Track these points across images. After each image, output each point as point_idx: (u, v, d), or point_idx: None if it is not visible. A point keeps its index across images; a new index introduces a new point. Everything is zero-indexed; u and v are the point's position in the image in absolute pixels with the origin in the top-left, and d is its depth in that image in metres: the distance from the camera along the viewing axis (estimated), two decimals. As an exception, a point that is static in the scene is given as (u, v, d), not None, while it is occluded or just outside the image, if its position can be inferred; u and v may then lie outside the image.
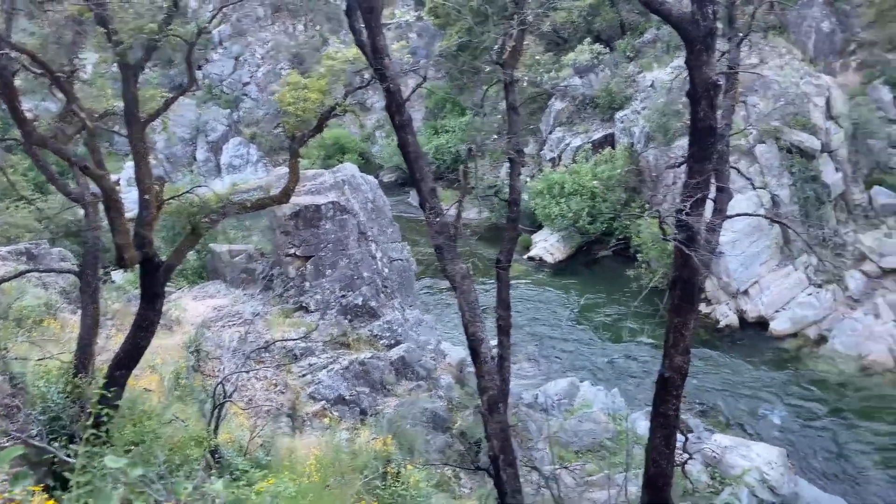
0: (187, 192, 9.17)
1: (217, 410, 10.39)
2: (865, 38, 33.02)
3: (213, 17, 8.42)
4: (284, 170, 17.62)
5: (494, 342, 10.23)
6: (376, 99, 48.43)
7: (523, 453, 15.66)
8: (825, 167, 28.57)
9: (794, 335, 26.04)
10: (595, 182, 32.96)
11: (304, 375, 17.41)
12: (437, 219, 8.31)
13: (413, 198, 39.39)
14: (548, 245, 34.77)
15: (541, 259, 34.29)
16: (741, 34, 10.26)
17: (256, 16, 55.49)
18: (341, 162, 27.23)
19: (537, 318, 28.97)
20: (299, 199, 20.38)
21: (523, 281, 32.38)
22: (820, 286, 27.00)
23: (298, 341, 17.43)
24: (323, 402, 16.50)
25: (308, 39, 54.79)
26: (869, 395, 22.75)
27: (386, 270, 20.70)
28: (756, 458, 16.75)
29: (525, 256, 34.82)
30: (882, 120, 30.51)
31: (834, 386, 23.33)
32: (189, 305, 19.02)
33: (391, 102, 8.33)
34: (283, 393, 16.22)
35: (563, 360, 25.67)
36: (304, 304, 19.91)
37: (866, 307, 25.70)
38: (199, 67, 51.94)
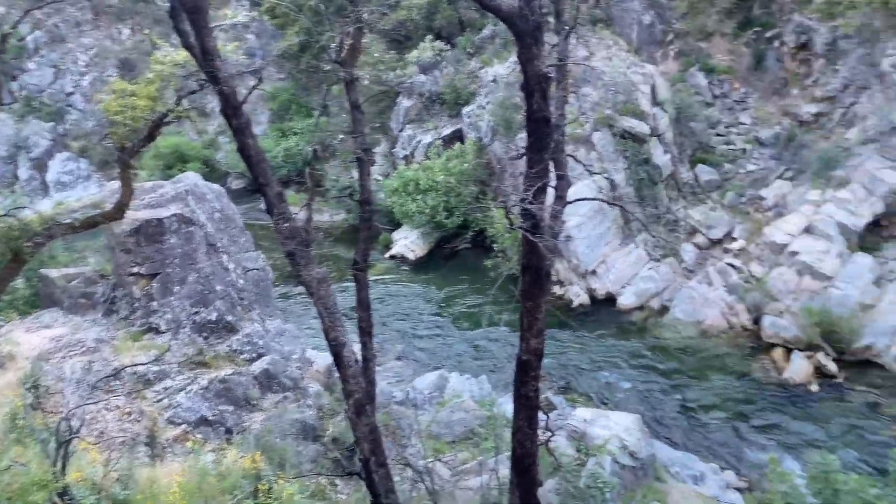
0: (4, 215, 8.34)
1: (63, 448, 9.58)
2: (680, 28, 35.95)
3: (18, 22, 7.68)
4: (119, 184, 16.48)
5: (358, 345, 10.15)
6: (217, 103, 46.45)
7: (398, 451, 15.68)
8: (655, 150, 30.79)
9: (640, 308, 27.91)
10: (443, 177, 33.52)
11: (160, 400, 16.41)
12: (287, 224, 8.09)
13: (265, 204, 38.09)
14: (408, 242, 35.01)
15: (402, 257, 34.48)
16: (568, 27, 10.78)
17: (76, 20, 51.46)
18: (183, 171, 25.86)
19: (402, 315, 29.12)
20: (139, 214, 19.14)
21: (386, 279, 32.42)
22: (658, 261, 29.12)
23: (150, 365, 16.39)
24: (184, 425, 15.65)
25: (136, 44, 51.57)
26: (708, 355, 24.86)
27: (241, 282, 19.93)
28: (615, 426, 17.74)
29: (386, 255, 34.87)
30: (700, 103, 33.37)
31: (677, 351, 25.27)
32: (22, 338, 17.34)
33: (227, 106, 8.00)
34: (138, 421, 15.20)
35: (431, 354, 25.99)
36: (153, 325, 18.74)
37: (700, 276, 28.03)
38: (14, 78, 47.52)
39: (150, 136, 14.44)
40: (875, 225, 26.63)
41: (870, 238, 26.59)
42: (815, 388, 22.52)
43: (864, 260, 25.44)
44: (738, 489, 18.28)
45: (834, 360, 23.50)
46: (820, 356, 23.51)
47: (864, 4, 29.13)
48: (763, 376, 23.51)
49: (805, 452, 19.21)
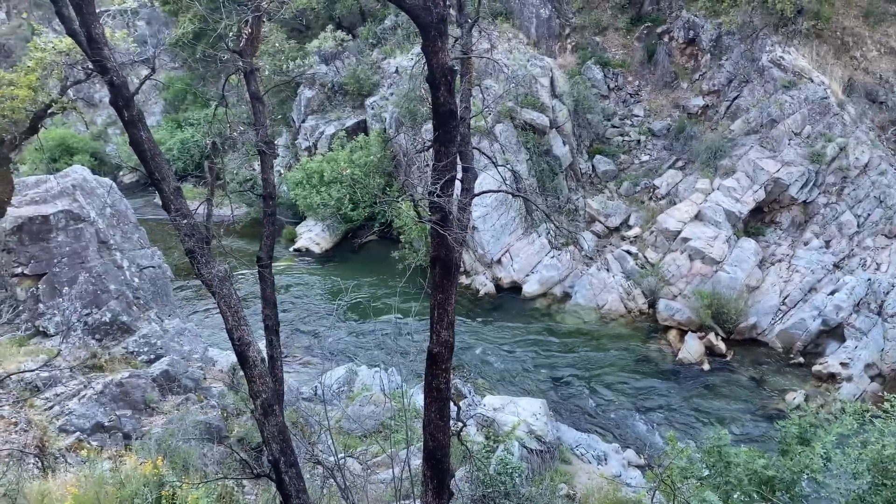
0: None
1: (-62, 467, 8.82)
2: (577, 22, 36.94)
3: None
4: (-3, 179, 15.35)
5: (264, 343, 9.88)
6: (105, 93, 44.07)
7: (307, 449, 15.42)
8: (555, 141, 31.57)
9: (544, 295, 28.63)
10: (347, 169, 33.16)
11: (50, 407, 15.45)
12: (185, 220, 7.74)
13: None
14: (313, 235, 34.44)
15: (307, 250, 33.90)
16: (471, 20, 10.83)
17: (-58, 1, 47.47)
18: (70, 165, 24.34)
19: (309, 310, 28.64)
20: (21, 211, 17.90)
21: (292, 274, 31.78)
22: (560, 249, 29.93)
23: (38, 371, 15.39)
24: (77, 433, 14.80)
25: (13, 29, 48.09)
26: (608, 339, 25.81)
27: (136, 280, 19.01)
28: (522, 412, 18.13)
29: (291, 249, 34.19)
30: (596, 96, 34.46)
31: (580, 335, 26.10)
32: None
33: (117, 97, 7.54)
34: (26, 431, 14.25)
35: (339, 348, 25.70)
36: (41, 329, 17.61)
37: (599, 263, 29.03)
38: None
39: (33, 129, 13.53)
40: (758, 211, 28.39)
41: (752, 224, 28.34)
42: (706, 366, 23.82)
43: (749, 245, 27.08)
44: (639, 466, 19.10)
45: (723, 339, 24.95)
46: (711, 336, 24.88)
47: (745, 3, 30.88)
48: (659, 357, 24.64)
49: (699, 428, 20.30)
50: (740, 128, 30.08)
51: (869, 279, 25.04)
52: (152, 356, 17.88)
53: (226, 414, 16.97)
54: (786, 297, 25.51)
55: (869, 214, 27.19)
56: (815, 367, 23.19)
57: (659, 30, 35.32)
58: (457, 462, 14.11)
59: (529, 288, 28.80)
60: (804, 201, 27.81)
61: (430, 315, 8.30)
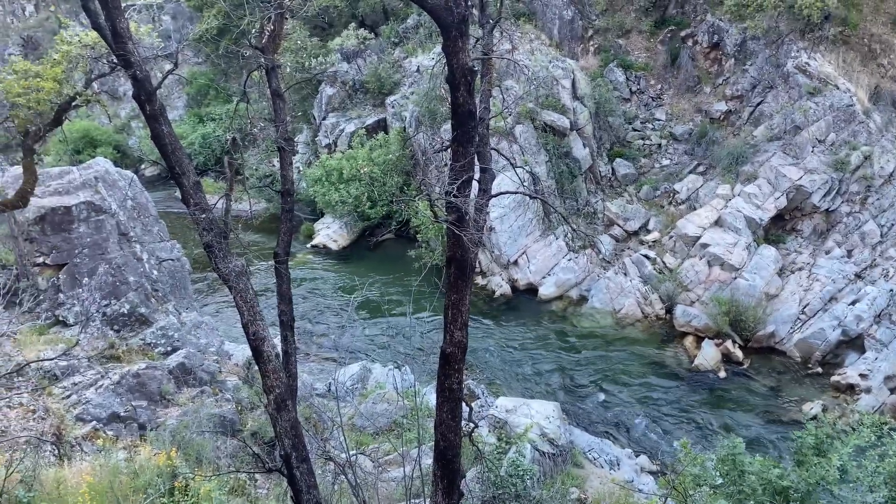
0: None
1: (-42, 451, 8.98)
2: (600, 24, 36.79)
3: None
4: (21, 169, 15.56)
5: (279, 338, 9.94)
6: (129, 86, 44.55)
7: (319, 445, 15.49)
8: (575, 144, 31.46)
9: (560, 297, 28.54)
10: (366, 167, 33.24)
11: (68, 396, 15.65)
12: (204, 215, 7.81)
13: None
14: (331, 232, 34.59)
15: (325, 247, 34.05)
16: (493, 21, 10.83)
17: (-27, -7, 48.26)
18: (92, 157, 24.65)
19: (325, 306, 28.77)
20: (44, 201, 18.16)
21: (308, 270, 31.94)
22: (577, 252, 29.82)
23: (57, 359, 15.59)
24: (94, 422, 14.98)
25: (41, 22, 48.77)
26: (624, 343, 25.66)
27: (155, 273, 19.20)
28: (535, 414, 18.09)
29: (309, 245, 34.37)
30: (618, 99, 34.29)
31: (595, 339, 25.97)
32: (-88, 333, 16.19)
33: (140, 91, 7.63)
34: (43, 419, 14.45)
35: (354, 345, 25.77)
36: (61, 318, 17.85)
37: (616, 267, 28.88)
38: None
39: (57, 121, 13.71)
40: (779, 218, 28.09)
41: (773, 231, 28.05)
42: (723, 374, 23.61)
43: (768, 252, 26.80)
44: (652, 472, 18.97)
45: (740, 347, 24.71)
46: (728, 344, 24.66)
47: (771, 7, 30.57)
48: (675, 363, 24.46)
49: (714, 435, 20.13)
50: (763, 134, 29.78)
51: (891, 290, 24.69)
52: (169, 348, 18.05)
53: (240, 408, 17.11)
54: (805, 306, 25.22)
55: (893, 224, 26.81)
56: (834, 378, 22.90)
57: (683, 33, 35.07)
58: (468, 462, 14.11)
59: (546, 290, 28.72)
60: (827, 209, 27.49)
61: (443, 315, 8.31)
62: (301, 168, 37.88)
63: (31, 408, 14.46)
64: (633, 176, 32.59)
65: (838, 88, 28.73)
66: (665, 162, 32.59)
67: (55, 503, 10.27)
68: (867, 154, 27.44)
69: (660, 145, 33.17)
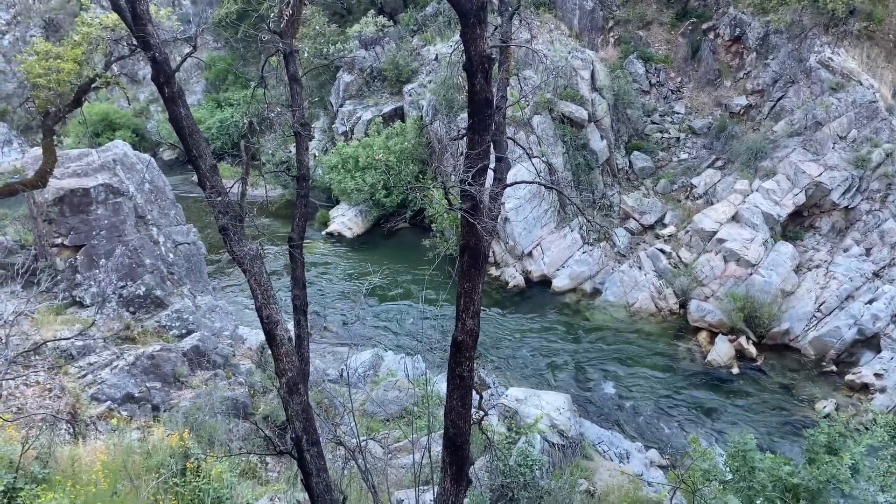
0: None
1: (-26, 427, 9.12)
2: (621, 16, 36.46)
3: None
4: (41, 150, 15.70)
5: (292, 323, 10.01)
6: (148, 70, 44.75)
7: (330, 429, 15.62)
8: (592, 135, 31.27)
9: (574, 290, 28.48)
10: (382, 155, 33.23)
11: (83, 376, 15.88)
12: (220, 198, 7.86)
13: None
14: (346, 220, 34.68)
15: (339, 234, 34.15)
16: (512, 9, 10.78)
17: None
18: (111, 140, 24.83)
19: (339, 293, 28.90)
20: (63, 183, 18.34)
21: (323, 257, 32.08)
22: (592, 244, 29.72)
23: (74, 339, 15.80)
24: (108, 402, 15.20)
25: (62, 4, 49.08)
26: (637, 337, 25.58)
27: (171, 256, 19.36)
28: (546, 405, 18.11)
29: (324, 232, 34.48)
30: (637, 91, 34.02)
31: (608, 332, 25.91)
32: (-68, 310, 16.45)
33: (158, 73, 7.67)
34: (59, 398, 14.67)
35: (366, 332, 25.90)
36: (77, 299, 18.07)
37: (631, 260, 28.74)
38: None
39: (77, 102, 13.81)
40: (797, 215, 27.81)
41: (791, 227, 27.78)
42: (735, 370, 23.49)
43: (786, 248, 26.56)
44: (662, 467, 18.95)
45: (754, 343, 24.55)
46: (742, 340, 24.51)
47: (795, 1, 30.15)
48: (688, 358, 24.37)
49: (725, 431, 20.06)
50: (783, 129, 29.45)
51: (910, 290, 24.40)
52: (184, 331, 18.24)
53: (252, 391, 17.27)
54: (821, 304, 25.00)
55: (913, 223, 26.47)
56: (848, 377, 22.71)
57: (704, 26, 34.69)
58: (477, 451, 14.17)
59: (559, 282, 28.67)
60: (846, 207, 27.17)
61: (456, 303, 8.33)
62: (317, 155, 37.96)
63: (48, 386, 14.67)
64: (650, 169, 32.37)
65: (861, 84, 28.32)
66: (683, 156, 32.34)
67: (70, 480, 10.42)
68: (889, 151, 27.07)
69: (678, 139, 32.91)
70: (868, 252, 26.21)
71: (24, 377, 14.26)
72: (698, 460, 11.08)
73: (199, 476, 10.79)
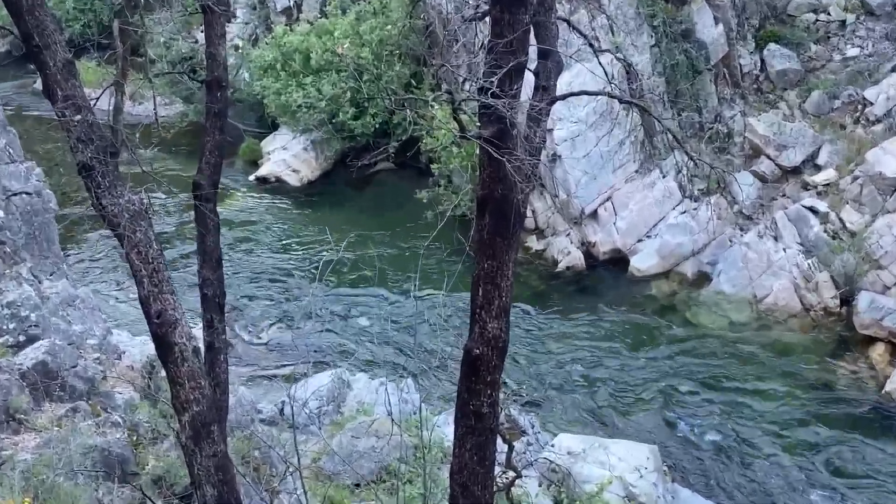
0: None
1: None
2: None
3: None
4: None
5: (201, 325, 10.06)
6: None
7: (263, 499, 15.80)
8: (700, 17, 31.01)
9: (666, 274, 28.49)
10: (349, 47, 33.06)
11: None
12: (80, 116, 7.85)
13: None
14: (289, 157, 34.75)
15: (278, 179, 34.25)
16: None
17: None
18: None
19: (277, 276, 28.99)
20: None
21: (251, 215, 32.15)
22: (697, 199, 29.63)
23: None
24: None
25: None
26: (768, 351, 25.60)
27: (0, 213, 19.45)
28: (618, 463, 18.19)
29: (253, 176, 34.53)
30: (776, -57, 33.73)
31: (720, 344, 25.94)
32: None
33: None
34: None
35: (324, 341, 25.98)
36: None
37: (761, 226, 28.68)
38: None
39: None
40: None
41: None
42: (932, 408, 23.59)
43: None
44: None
45: (965, 365, 24.61)
46: (944, 359, 24.58)
47: None
48: (853, 387, 24.42)
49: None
50: None
51: None
52: (22, 337, 18.31)
53: (136, 436, 17.39)
54: None
55: None
56: None
57: None
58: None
59: (642, 261, 28.70)
60: None
61: (471, 294, 8.36)
62: (241, 46, 37.86)
63: None
64: (795, 74, 32.20)
65: None
66: (852, 52, 32.15)
67: None
68: None
69: (843, 23, 32.69)
70: None
71: None
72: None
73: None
